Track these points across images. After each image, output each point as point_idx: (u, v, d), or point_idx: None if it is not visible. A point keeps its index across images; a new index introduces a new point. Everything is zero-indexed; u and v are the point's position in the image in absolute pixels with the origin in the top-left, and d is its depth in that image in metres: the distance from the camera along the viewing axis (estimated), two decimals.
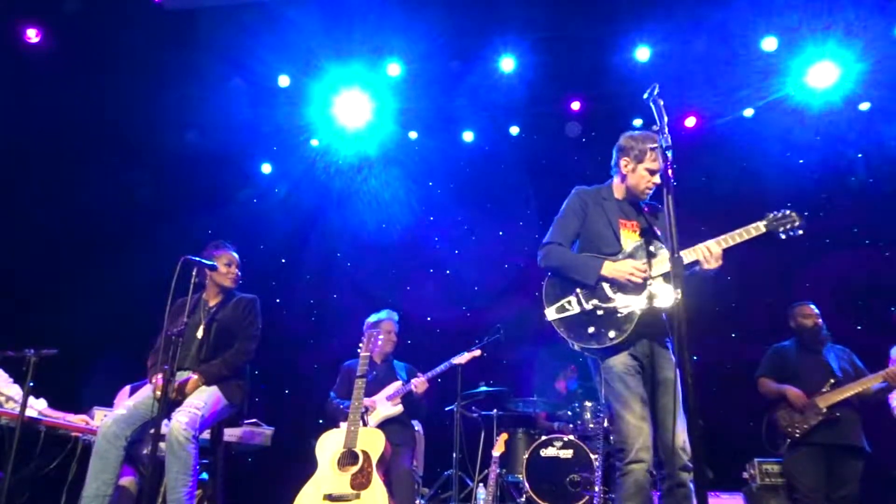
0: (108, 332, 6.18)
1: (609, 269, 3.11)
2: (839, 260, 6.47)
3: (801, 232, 3.07)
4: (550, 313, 3.20)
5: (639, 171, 3.28)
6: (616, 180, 3.43)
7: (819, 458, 4.61)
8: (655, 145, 3.17)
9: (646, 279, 3.07)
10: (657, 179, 3.25)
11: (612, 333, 3.06)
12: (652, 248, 3.16)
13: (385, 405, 4.69)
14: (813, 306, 5.04)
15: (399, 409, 4.71)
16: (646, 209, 3.38)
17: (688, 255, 3.05)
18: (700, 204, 5.78)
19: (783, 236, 3.08)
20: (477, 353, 4.98)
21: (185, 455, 3.48)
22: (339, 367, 5.15)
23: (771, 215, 3.09)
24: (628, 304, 3.08)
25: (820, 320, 4.96)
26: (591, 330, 3.11)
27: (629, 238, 3.25)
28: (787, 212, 3.07)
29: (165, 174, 6.92)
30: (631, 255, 3.18)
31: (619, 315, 3.08)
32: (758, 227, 3.09)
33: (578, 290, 3.17)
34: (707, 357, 6.20)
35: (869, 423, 4.78)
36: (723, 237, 3.10)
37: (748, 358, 5.33)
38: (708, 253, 3.04)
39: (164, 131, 6.82)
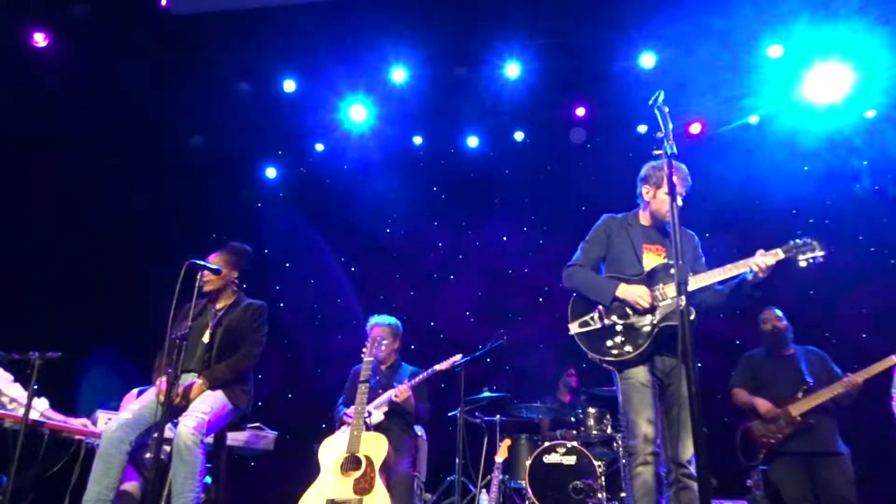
0: (111, 335, 6.19)
1: (622, 290, 3.30)
2: (844, 267, 6.45)
3: (822, 259, 3.16)
4: (573, 327, 3.41)
5: (659, 196, 3.46)
6: (641, 208, 3.62)
7: (800, 466, 4.56)
8: (677, 174, 3.32)
9: (653, 305, 3.23)
10: (678, 202, 3.34)
11: (628, 347, 3.25)
12: (673, 271, 3.20)
13: (374, 413, 4.68)
14: (777, 311, 4.97)
15: (380, 416, 4.68)
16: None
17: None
18: (705, 211, 5.78)
19: (803, 264, 3.16)
20: (457, 357, 4.95)
21: (192, 459, 3.47)
22: (347, 372, 5.15)
23: (791, 242, 3.18)
24: (645, 321, 3.25)
25: (783, 324, 4.89)
26: (609, 343, 3.30)
27: (652, 260, 3.41)
28: (809, 240, 3.17)
29: (170, 177, 6.95)
30: (650, 276, 3.33)
31: (636, 331, 3.25)
32: (776, 254, 3.17)
33: (600, 307, 3.35)
34: (711, 365, 6.19)
35: (870, 427, 4.74)
36: (733, 265, 3.20)
37: None
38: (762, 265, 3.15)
39: (169, 135, 6.85)
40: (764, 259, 3.15)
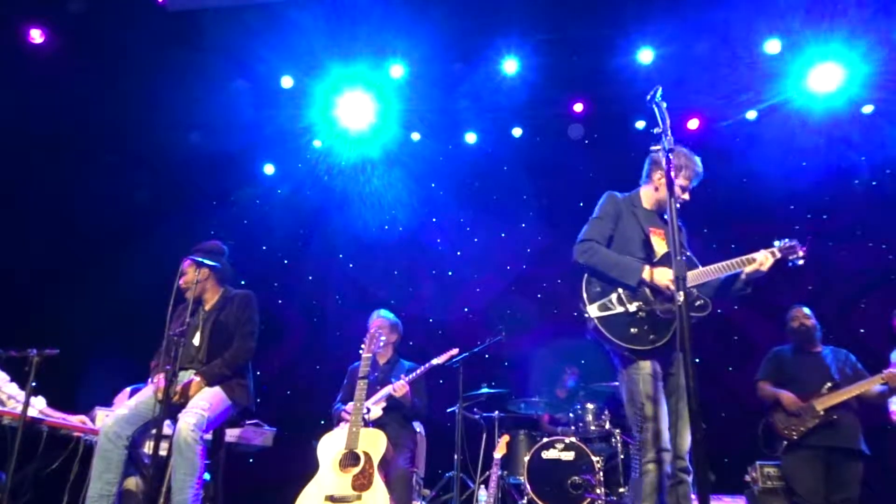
0: (108, 332, 6.19)
1: (655, 274, 3.16)
2: (842, 263, 6.47)
3: (801, 262, 3.16)
4: (593, 310, 3.21)
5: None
6: (645, 190, 3.52)
7: (817, 460, 4.60)
8: (690, 164, 3.33)
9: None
10: (686, 196, 3.34)
11: (652, 336, 3.12)
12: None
13: (373, 409, 4.68)
14: (805, 309, 5.02)
15: (379, 412, 4.68)
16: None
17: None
18: (702, 207, 5.78)
19: (790, 265, 3.17)
20: (455, 351, 4.95)
21: (192, 456, 3.47)
22: (345, 368, 5.16)
23: (780, 243, 3.19)
24: (668, 309, 3.11)
25: (812, 322, 4.95)
26: (633, 331, 3.15)
27: (660, 245, 3.30)
28: (792, 242, 3.18)
29: (168, 174, 6.93)
30: (663, 261, 3.23)
31: (659, 319, 3.13)
32: (773, 254, 3.17)
33: (620, 290, 3.21)
34: (710, 360, 6.20)
35: (870, 427, 4.77)
36: (738, 259, 3.17)
37: (750, 361, 5.33)
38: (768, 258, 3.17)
39: (166, 132, 6.83)
40: (763, 257, 3.17)
